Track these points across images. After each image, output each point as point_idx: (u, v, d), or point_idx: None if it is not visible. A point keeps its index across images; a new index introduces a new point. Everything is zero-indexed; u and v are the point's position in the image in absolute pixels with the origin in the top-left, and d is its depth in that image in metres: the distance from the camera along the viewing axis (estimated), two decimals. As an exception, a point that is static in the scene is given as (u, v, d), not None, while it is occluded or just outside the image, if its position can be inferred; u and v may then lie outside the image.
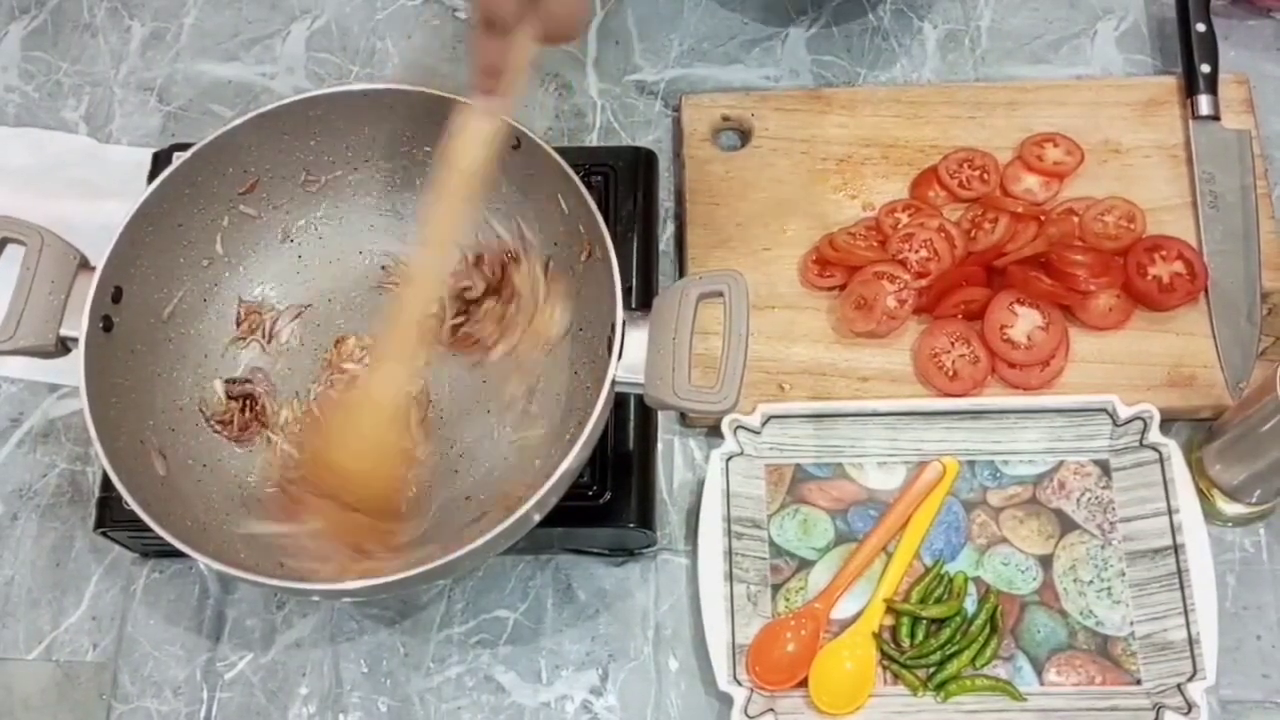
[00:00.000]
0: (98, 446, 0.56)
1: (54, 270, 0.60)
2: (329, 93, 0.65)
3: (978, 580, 0.67)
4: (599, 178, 0.72)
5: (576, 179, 0.61)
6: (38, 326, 0.59)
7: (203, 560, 0.55)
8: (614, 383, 0.57)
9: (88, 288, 0.60)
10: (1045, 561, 0.68)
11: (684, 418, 0.72)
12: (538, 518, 0.57)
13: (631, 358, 0.57)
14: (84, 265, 0.61)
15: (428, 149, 0.64)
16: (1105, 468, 0.69)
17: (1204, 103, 0.76)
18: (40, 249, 0.60)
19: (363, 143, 0.68)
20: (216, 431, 0.66)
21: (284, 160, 0.67)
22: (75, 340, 0.59)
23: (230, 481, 0.65)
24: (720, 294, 0.58)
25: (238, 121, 0.64)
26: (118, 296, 0.61)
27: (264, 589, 0.69)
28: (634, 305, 0.68)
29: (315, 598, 0.68)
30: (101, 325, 0.60)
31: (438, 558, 0.54)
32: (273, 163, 0.67)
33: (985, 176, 0.76)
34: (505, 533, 0.55)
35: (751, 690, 0.64)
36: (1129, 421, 0.68)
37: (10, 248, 0.61)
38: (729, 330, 0.57)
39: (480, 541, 0.54)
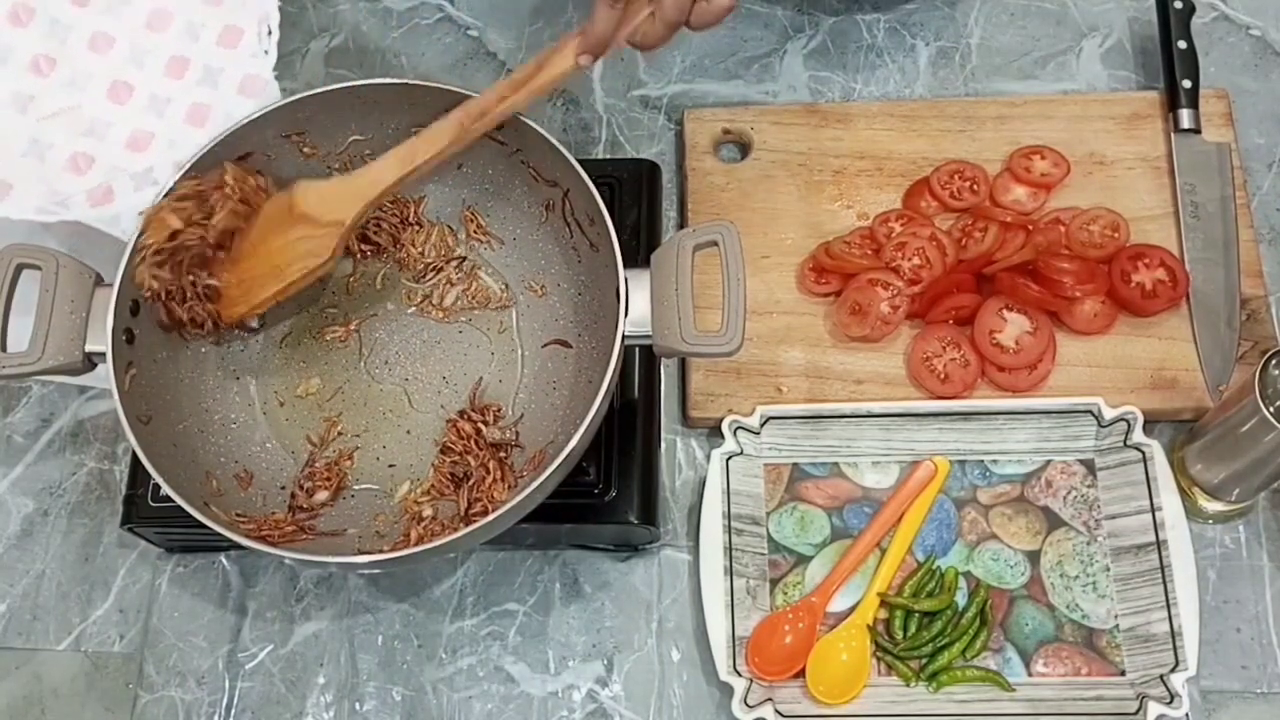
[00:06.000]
0: (138, 451, 0.58)
1: (72, 290, 0.61)
2: (315, 93, 0.66)
3: (968, 575, 0.69)
4: (605, 189, 0.73)
5: (552, 139, 0.64)
6: (63, 345, 0.61)
7: (236, 538, 0.57)
8: (624, 338, 0.59)
9: (107, 304, 0.61)
10: (1033, 557, 0.69)
11: (685, 418, 0.74)
12: (559, 478, 0.59)
13: (637, 312, 0.59)
14: (100, 283, 0.62)
15: (415, 129, 0.66)
16: (1090, 467, 0.71)
17: (1185, 117, 0.78)
18: (56, 271, 0.61)
19: (349, 138, 0.69)
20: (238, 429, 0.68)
21: (269, 164, 0.68)
22: (101, 355, 0.61)
23: (263, 472, 0.67)
24: (714, 243, 0.59)
25: (224, 133, 0.65)
26: (135, 309, 0.63)
27: (285, 578, 0.72)
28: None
29: (334, 569, 0.70)
30: (125, 338, 0.62)
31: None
32: (261, 166, 0.68)
33: (975, 187, 0.78)
34: (536, 490, 0.57)
35: (751, 680, 0.66)
36: (1113, 423, 0.70)
37: (26, 272, 0.62)
38: (727, 276, 0.58)
39: (512, 503, 0.57)
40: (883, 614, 0.68)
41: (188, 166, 0.64)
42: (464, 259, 0.73)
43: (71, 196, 0.65)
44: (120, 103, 0.70)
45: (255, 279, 0.65)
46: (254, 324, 0.70)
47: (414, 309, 0.72)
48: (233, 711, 0.69)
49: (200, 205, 0.64)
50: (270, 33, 0.71)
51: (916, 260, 0.74)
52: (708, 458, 0.72)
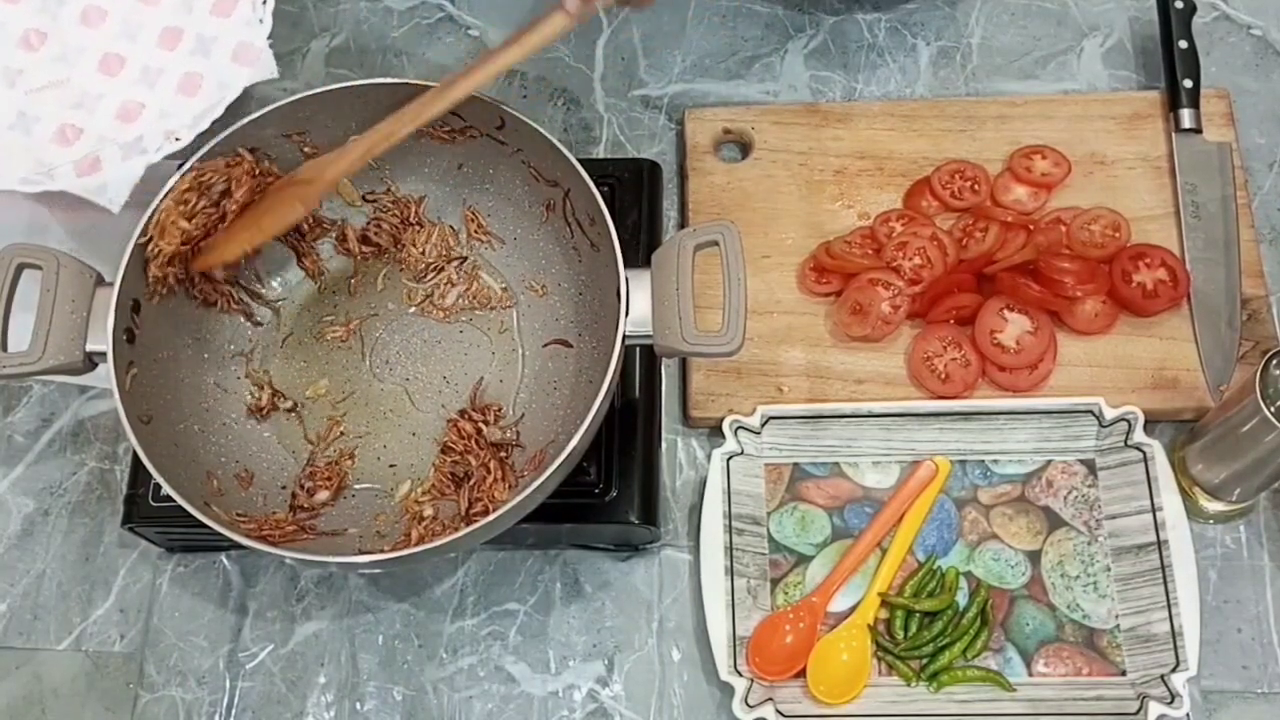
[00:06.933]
0: (139, 450, 0.58)
1: (73, 290, 0.61)
2: (315, 93, 0.66)
3: (969, 575, 0.69)
4: (605, 189, 0.74)
5: (556, 141, 0.64)
6: (64, 345, 0.61)
7: (238, 538, 0.57)
8: (625, 337, 0.59)
9: (108, 303, 0.61)
10: (1034, 557, 0.69)
11: (686, 418, 0.74)
12: (559, 479, 0.59)
13: (638, 312, 0.59)
14: (100, 282, 0.62)
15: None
16: (1091, 467, 0.71)
17: (1186, 116, 0.78)
18: (57, 270, 0.61)
19: (350, 138, 0.68)
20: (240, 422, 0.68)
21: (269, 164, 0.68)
22: (102, 355, 0.61)
23: (264, 472, 0.67)
24: (715, 243, 0.59)
25: (225, 133, 0.65)
26: (137, 308, 0.63)
27: (285, 578, 0.72)
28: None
29: (334, 569, 0.70)
30: (125, 338, 0.62)
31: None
32: (264, 166, 0.68)
33: (976, 187, 0.78)
34: (537, 490, 0.57)
35: (751, 680, 0.66)
36: (1114, 422, 0.70)
37: (27, 272, 0.62)
38: (728, 276, 0.59)
39: (513, 503, 0.57)
40: (883, 614, 0.68)
41: (187, 166, 0.64)
42: (465, 259, 0.73)
43: (58, 167, 0.65)
44: (111, 75, 0.69)
45: (234, 232, 0.65)
46: (260, 318, 0.70)
47: (415, 309, 0.72)
48: (233, 711, 0.69)
49: (203, 194, 0.64)
50: (265, 1, 0.70)
51: (917, 260, 0.74)
52: (708, 458, 0.72)
